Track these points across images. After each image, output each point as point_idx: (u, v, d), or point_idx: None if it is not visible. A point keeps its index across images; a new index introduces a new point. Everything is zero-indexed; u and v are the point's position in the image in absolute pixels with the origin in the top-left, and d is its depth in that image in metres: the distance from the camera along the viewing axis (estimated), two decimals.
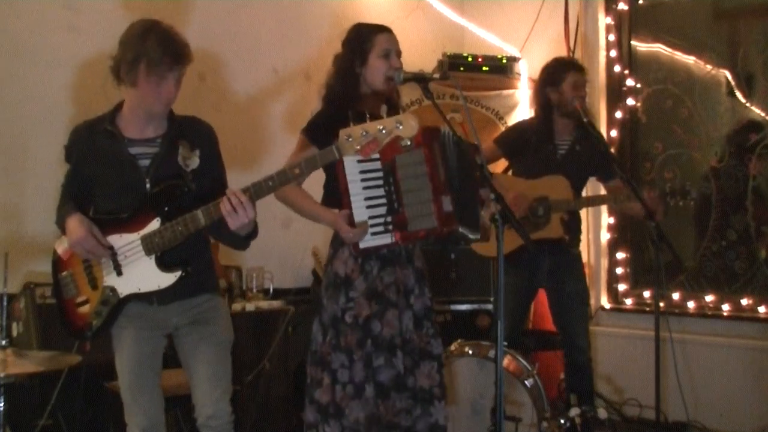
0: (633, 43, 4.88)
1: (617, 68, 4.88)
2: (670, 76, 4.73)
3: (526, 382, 3.40)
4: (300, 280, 4.71)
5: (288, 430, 4.23)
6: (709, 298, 4.51)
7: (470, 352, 3.48)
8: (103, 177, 2.54)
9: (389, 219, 2.60)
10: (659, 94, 4.77)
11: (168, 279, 2.48)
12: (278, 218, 4.33)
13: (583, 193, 3.93)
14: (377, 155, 2.50)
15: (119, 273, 2.50)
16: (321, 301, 2.76)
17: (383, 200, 2.60)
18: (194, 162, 2.55)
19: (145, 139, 2.54)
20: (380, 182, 2.60)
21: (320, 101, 2.87)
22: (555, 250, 3.65)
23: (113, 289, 2.51)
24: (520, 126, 4.00)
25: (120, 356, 2.61)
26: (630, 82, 4.84)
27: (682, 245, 4.56)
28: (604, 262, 4.91)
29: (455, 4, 5.45)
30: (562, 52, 4.89)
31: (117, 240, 2.49)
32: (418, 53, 4.65)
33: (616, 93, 4.90)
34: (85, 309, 2.56)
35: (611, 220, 4.88)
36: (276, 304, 4.31)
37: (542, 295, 4.03)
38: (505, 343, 3.36)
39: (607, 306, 4.89)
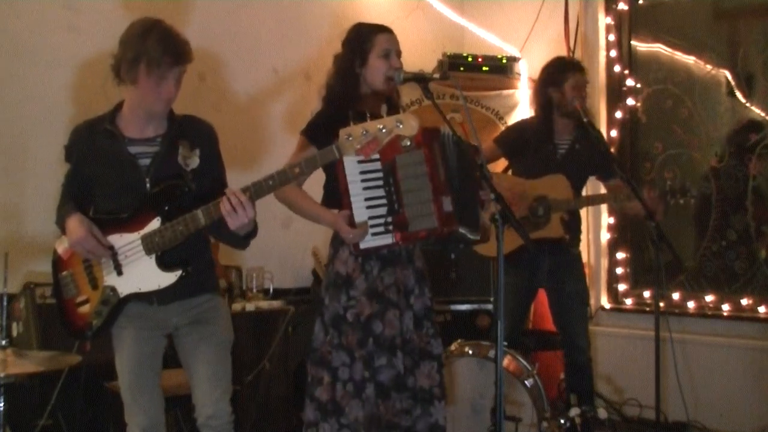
0: (633, 43, 4.88)
1: (617, 68, 4.88)
2: (670, 76, 4.73)
3: (526, 382, 3.40)
4: (300, 280, 4.71)
5: (288, 430, 4.23)
6: (709, 298, 4.51)
7: (470, 352, 3.48)
8: (103, 177, 2.54)
9: (389, 219, 2.60)
10: (659, 94, 4.77)
11: (168, 278, 2.48)
12: (278, 218, 4.33)
13: (583, 193, 3.93)
14: (377, 155, 2.50)
15: (119, 273, 2.50)
16: (322, 300, 2.76)
17: (383, 200, 2.60)
18: (194, 161, 2.55)
19: (145, 139, 2.54)
20: (380, 182, 2.60)
21: (320, 101, 2.87)
22: (555, 250, 3.65)
23: (113, 289, 2.51)
24: (520, 126, 4.00)
25: (120, 356, 2.61)
26: (630, 82, 4.85)
27: (682, 245, 4.56)
28: (604, 262, 4.91)
29: (455, 4, 5.45)
30: (562, 52, 4.89)
31: (117, 240, 2.49)
32: (418, 53, 4.66)
33: (616, 93, 4.90)
34: (85, 309, 2.56)
35: (611, 220, 4.88)
36: (276, 304, 4.31)
37: (542, 295, 4.03)
38: (505, 343, 3.36)
39: (607, 306, 4.89)
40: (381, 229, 2.60)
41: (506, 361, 3.45)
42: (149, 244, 2.46)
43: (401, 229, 2.60)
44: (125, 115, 2.56)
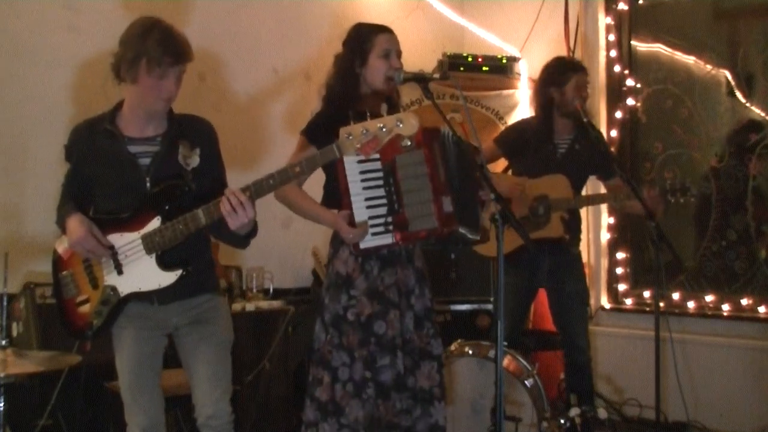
0: (633, 43, 4.88)
1: (617, 68, 4.88)
2: (670, 76, 4.73)
3: (526, 382, 3.40)
4: (300, 280, 4.71)
5: (288, 430, 4.23)
6: (709, 298, 4.51)
7: (470, 352, 3.48)
8: (103, 176, 2.54)
9: (389, 219, 2.60)
10: (659, 94, 4.77)
11: (169, 278, 2.47)
12: (278, 218, 4.33)
13: (583, 193, 3.93)
14: (377, 155, 2.51)
15: (120, 272, 2.50)
16: (323, 301, 2.76)
17: (383, 200, 2.60)
18: (194, 161, 2.54)
19: (145, 138, 2.54)
20: (380, 182, 2.60)
21: (320, 101, 2.87)
22: (555, 250, 3.65)
23: (114, 289, 2.51)
24: (520, 125, 3.99)
25: (120, 356, 2.60)
26: (630, 82, 4.85)
27: (682, 245, 4.56)
28: (604, 262, 4.91)
29: (455, 4, 5.45)
30: (562, 52, 4.89)
31: (117, 239, 2.49)
32: (418, 53, 4.66)
33: (616, 93, 4.90)
34: (85, 308, 2.56)
35: (611, 220, 4.88)
36: (276, 304, 4.31)
37: (542, 295, 4.03)
38: (505, 343, 3.36)
39: (607, 306, 4.89)
40: (381, 228, 2.60)
41: (506, 361, 3.45)
42: (149, 244, 2.46)
43: (401, 229, 2.60)
44: (125, 115, 2.55)
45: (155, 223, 2.46)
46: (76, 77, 3.92)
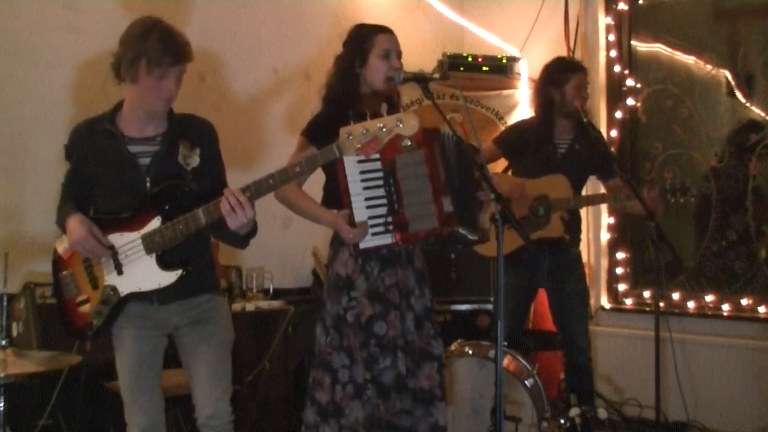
0: (633, 43, 4.88)
1: (617, 68, 4.88)
2: (670, 76, 4.73)
3: (526, 382, 3.40)
4: (300, 280, 4.71)
5: (288, 430, 4.23)
6: (709, 298, 4.51)
7: (470, 352, 3.48)
8: (104, 176, 2.54)
9: (389, 219, 2.60)
10: (659, 94, 4.77)
11: (169, 278, 2.47)
12: (278, 218, 4.33)
13: (583, 193, 3.93)
14: (377, 155, 2.50)
15: (120, 272, 2.50)
16: (323, 303, 2.76)
17: (383, 201, 2.60)
18: (195, 161, 2.54)
19: (145, 138, 2.54)
20: (380, 182, 2.60)
21: (320, 101, 2.87)
22: (555, 250, 3.65)
23: (114, 288, 2.51)
24: (520, 126, 4.00)
25: (120, 356, 2.60)
26: (630, 82, 4.85)
27: (682, 245, 4.56)
28: (604, 262, 4.91)
29: (455, 4, 5.45)
30: (562, 52, 4.89)
31: (117, 239, 2.49)
32: (418, 53, 4.66)
33: (616, 93, 4.90)
34: (85, 308, 2.56)
35: (611, 220, 4.88)
36: (276, 304, 4.31)
37: (542, 295, 4.03)
38: (505, 343, 3.36)
39: (607, 306, 4.89)
40: (381, 229, 2.60)
41: (506, 361, 3.45)
42: (149, 244, 2.46)
43: (401, 230, 2.60)
44: (125, 115, 2.55)
45: (155, 223, 2.46)
46: (76, 77, 3.92)
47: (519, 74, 5.10)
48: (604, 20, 4.94)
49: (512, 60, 5.10)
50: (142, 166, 2.51)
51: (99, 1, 4.00)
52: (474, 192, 2.78)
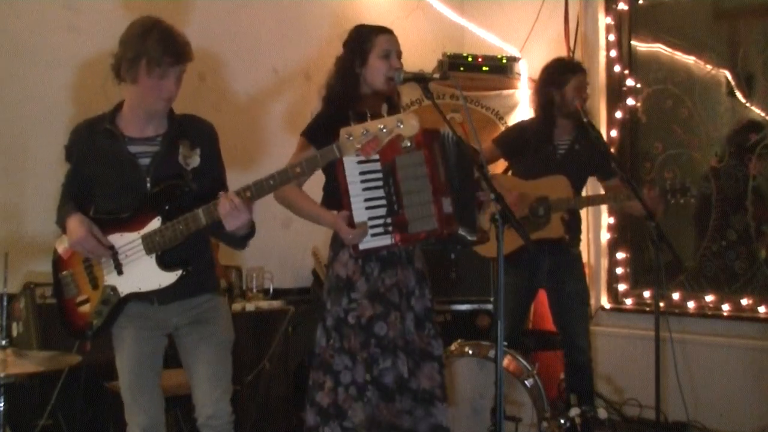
0: (633, 43, 4.88)
1: (617, 68, 4.88)
2: (670, 76, 4.73)
3: (526, 382, 3.40)
4: (300, 280, 4.71)
5: (288, 430, 4.23)
6: (709, 298, 4.51)
7: (470, 352, 3.48)
8: (104, 176, 2.54)
9: (389, 220, 2.60)
10: (659, 94, 4.77)
11: (169, 278, 2.48)
12: (278, 218, 4.33)
13: (583, 193, 3.94)
14: (377, 156, 2.50)
15: (120, 272, 2.50)
16: (324, 305, 2.76)
17: (383, 201, 2.60)
18: (195, 161, 2.54)
19: (145, 138, 2.54)
20: (380, 183, 2.60)
21: (320, 101, 2.87)
22: (555, 250, 3.65)
23: (114, 289, 2.51)
24: (520, 126, 4.00)
25: (120, 356, 2.60)
26: (630, 82, 4.85)
27: (682, 245, 4.56)
28: (604, 262, 4.91)
29: (455, 4, 5.45)
30: (562, 52, 4.89)
31: (118, 239, 2.49)
32: (418, 53, 4.66)
33: (616, 93, 4.90)
34: (85, 308, 2.56)
35: (611, 220, 4.88)
36: (276, 304, 4.31)
37: (542, 295, 4.03)
38: (505, 343, 3.36)
39: (607, 306, 4.89)
40: (380, 230, 2.60)
41: (506, 361, 3.45)
42: (150, 244, 2.46)
43: (401, 230, 2.60)
44: (125, 115, 2.55)
45: (155, 223, 2.46)
46: (76, 77, 3.92)
47: (519, 74, 5.10)
48: (604, 20, 4.94)
49: (512, 60, 5.10)
50: (143, 166, 2.51)
51: (99, 1, 4.00)
52: (474, 192, 2.78)
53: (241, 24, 4.60)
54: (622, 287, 4.86)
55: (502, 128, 4.90)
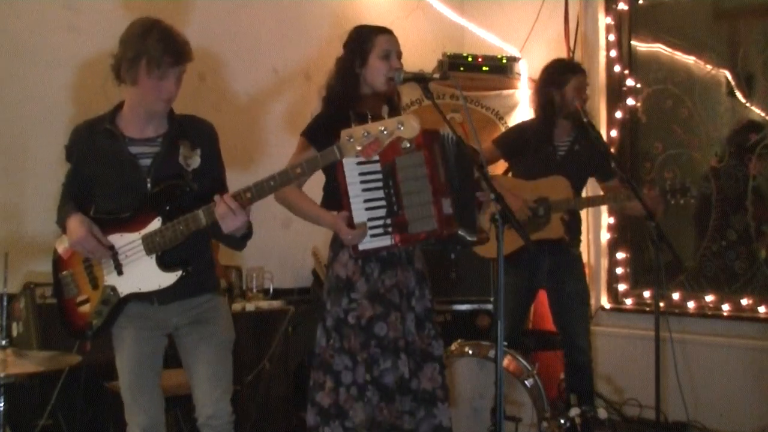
0: (633, 43, 4.88)
1: (617, 68, 4.88)
2: (670, 76, 4.73)
3: (526, 382, 3.40)
4: (300, 280, 4.71)
5: (288, 430, 4.23)
6: (709, 298, 4.51)
7: (470, 352, 3.48)
8: (104, 177, 2.54)
9: (389, 221, 2.60)
10: (659, 94, 4.77)
11: (168, 279, 2.48)
12: (278, 218, 4.33)
13: (583, 194, 3.93)
14: (377, 157, 2.50)
15: (120, 272, 2.50)
16: (324, 306, 2.76)
17: (383, 202, 2.60)
18: (195, 161, 2.54)
19: (145, 139, 2.54)
20: (380, 184, 2.60)
21: (320, 101, 2.87)
22: (555, 250, 3.65)
23: (114, 289, 2.51)
24: (520, 127, 4.00)
25: (120, 356, 2.60)
26: (630, 82, 4.84)
27: (682, 245, 4.56)
28: (604, 262, 4.91)
29: (455, 4, 5.45)
30: (562, 52, 4.90)
31: (118, 239, 2.49)
32: (418, 53, 4.66)
33: (616, 93, 4.90)
34: (85, 308, 2.56)
35: (611, 220, 4.88)
36: (276, 304, 4.31)
37: (542, 295, 4.03)
38: (505, 343, 3.36)
39: (607, 306, 4.89)
40: (380, 230, 2.60)
41: (506, 361, 3.45)
42: (150, 244, 2.46)
43: (401, 231, 2.60)
44: (125, 115, 2.55)
45: (156, 223, 2.46)
46: (76, 77, 3.92)
47: (519, 74, 5.10)
48: (604, 20, 4.94)
49: (512, 60, 5.10)
50: (143, 167, 2.51)
51: (99, 1, 4.00)
52: (473, 193, 2.77)
53: (241, 24, 4.59)
54: (622, 287, 4.86)
55: (502, 128, 4.91)
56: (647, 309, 4.68)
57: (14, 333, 3.43)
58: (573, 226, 3.73)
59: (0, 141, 3.74)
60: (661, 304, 3.53)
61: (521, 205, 3.55)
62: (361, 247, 2.61)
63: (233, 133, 4.24)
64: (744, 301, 4.38)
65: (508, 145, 3.83)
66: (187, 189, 2.49)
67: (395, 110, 2.78)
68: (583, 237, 3.98)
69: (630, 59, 4.88)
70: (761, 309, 4.31)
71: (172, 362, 2.75)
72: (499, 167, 4.19)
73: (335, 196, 2.65)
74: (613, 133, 4.84)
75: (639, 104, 4.84)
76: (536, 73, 3.98)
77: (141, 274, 2.48)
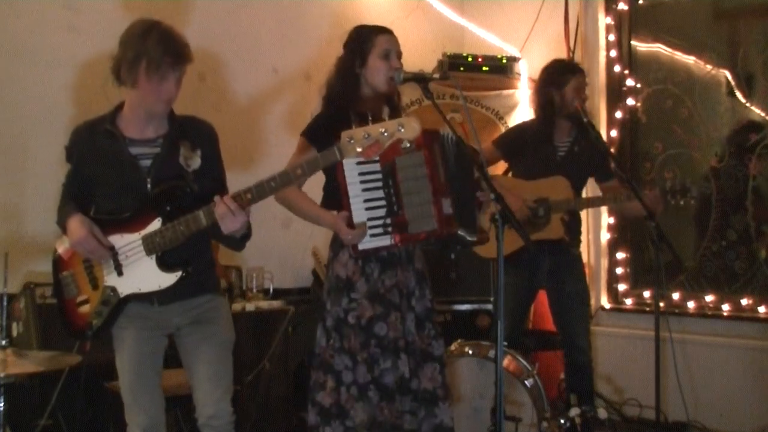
0: (633, 43, 4.88)
1: (617, 68, 4.88)
2: (670, 76, 4.72)
3: (526, 382, 3.40)
4: (300, 280, 4.71)
5: (288, 430, 4.23)
6: (709, 298, 4.51)
7: (470, 352, 3.49)
8: (104, 177, 2.54)
9: (389, 221, 2.60)
10: (659, 94, 4.77)
11: (169, 279, 2.48)
12: (278, 218, 4.33)
13: (583, 194, 3.93)
14: (377, 157, 2.50)
15: (120, 273, 2.50)
16: (324, 305, 2.76)
17: (382, 202, 2.60)
18: (196, 162, 2.55)
19: (145, 140, 2.54)
20: (379, 184, 2.60)
21: (321, 101, 2.87)
22: (555, 250, 3.65)
23: (114, 289, 2.51)
24: (520, 127, 4.01)
25: (121, 356, 2.60)
26: (630, 82, 4.84)
27: (682, 245, 4.56)
28: (604, 262, 4.91)
29: (455, 4, 5.45)
30: (562, 52, 4.90)
31: (118, 240, 2.49)
32: (418, 53, 4.66)
33: (616, 93, 4.90)
34: (85, 309, 2.56)
35: (611, 220, 4.88)
36: (276, 304, 4.31)
37: (542, 295, 4.03)
38: (505, 343, 3.36)
39: (607, 306, 4.89)
40: (380, 230, 2.60)
41: (506, 361, 3.45)
42: (150, 245, 2.46)
43: (400, 231, 2.60)
44: (126, 116, 2.55)
45: (156, 224, 2.46)
46: (76, 77, 3.92)
47: (519, 74, 5.10)
48: (604, 20, 4.93)
49: (512, 60, 5.10)
50: (143, 167, 2.51)
51: (99, 1, 4.00)
52: (473, 193, 2.78)
53: (241, 24, 4.59)
54: (622, 287, 4.86)
55: (502, 128, 4.91)
56: (647, 309, 4.67)
57: (14, 333, 3.43)
58: (573, 227, 3.73)
59: (0, 141, 3.74)
60: (661, 304, 3.53)
61: (521, 206, 3.56)
62: (360, 246, 2.61)
63: (233, 133, 4.24)
64: (744, 301, 4.38)
65: (507, 145, 3.84)
66: (188, 190, 2.49)
67: (396, 110, 2.78)
68: (583, 237, 3.98)
69: (630, 59, 4.88)
70: (761, 309, 4.31)
71: (172, 362, 2.75)
72: (499, 167, 4.19)
73: (335, 196, 2.65)
74: (613, 133, 4.84)
75: (639, 104, 4.84)
76: (536, 73, 3.98)
77: (141, 274, 2.48)
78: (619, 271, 4.86)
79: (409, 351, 2.69)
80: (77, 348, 3.26)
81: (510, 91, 5.09)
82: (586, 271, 4.24)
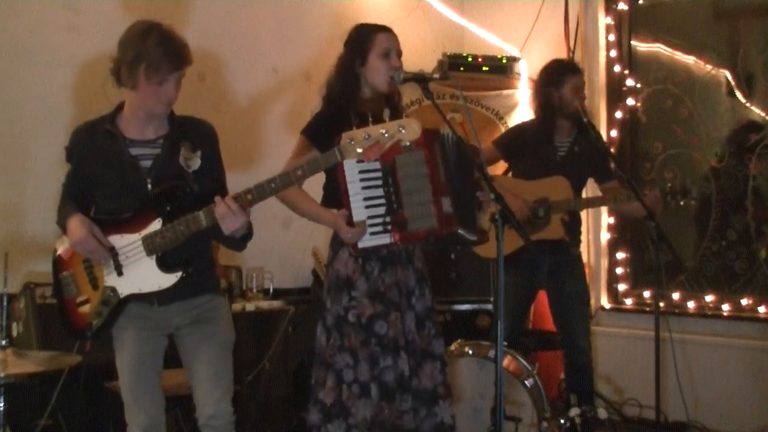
0: (633, 43, 4.87)
1: (617, 68, 4.88)
2: (670, 76, 4.72)
3: (526, 382, 3.40)
4: (300, 280, 4.71)
5: (288, 430, 4.23)
6: (709, 298, 4.51)
7: (470, 352, 3.49)
8: (104, 177, 2.54)
9: (388, 219, 2.60)
10: (659, 94, 4.77)
11: (169, 279, 2.48)
12: (278, 218, 4.33)
13: (583, 194, 3.93)
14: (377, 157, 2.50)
15: (120, 273, 2.50)
16: (324, 304, 2.76)
17: (382, 201, 2.61)
18: (196, 163, 2.55)
19: (145, 140, 2.54)
20: (379, 182, 2.60)
21: (321, 100, 2.87)
22: (555, 251, 3.65)
23: (114, 290, 2.51)
24: (520, 127, 4.01)
25: (121, 356, 2.60)
26: (630, 82, 4.84)
27: (682, 245, 4.56)
28: (604, 262, 4.90)
29: (455, 4, 5.45)
30: (562, 52, 4.90)
31: (118, 240, 2.49)
32: (418, 53, 4.66)
33: (616, 93, 4.90)
34: (85, 309, 2.56)
35: (611, 220, 4.88)
36: (276, 304, 4.31)
37: (542, 295, 4.03)
38: (505, 343, 3.36)
39: (607, 306, 4.89)
40: (380, 228, 2.60)
41: (506, 361, 3.45)
42: (150, 245, 2.46)
43: (400, 229, 2.60)
44: (126, 116, 2.55)
45: (156, 224, 2.46)
46: (76, 77, 3.92)
47: (519, 74, 5.10)
48: (604, 20, 4.93)
49: (512, 60, 5.10)
50: (143, 168, 2.51)
51: (99, 1, 4.00)
52: (473, 192, 2.78)
53: (241, 24, 4.59)
54: (622, 287, 4.86)
55: (502, 128, 4.91)
56: (647, 309, 4.67)
57: (14, 333, 3.43)
58: (573, 227, 3.73)
59: (0, 141, 3.74)
60: (661, 304, 3.53)
61: (521, 206, 3.56)
62: (360, 245, 2.61)
63: (233, 133, 4.24)
64: (744, 301, 4.38)
65: (507, 145, 3.84)
66: (188, 190, 2.49)
67: (397, 111, 2.78)
68: (583, 237, 3.98)
69: (630, 59, 4.88)
70: (761, 309, 4.31)
71: (172, 362, 2.75)
72: (499, 167, 4.19)
73: (335, 195, 2.65)
74: (613, 133, 4.84)
75: (639, 104, 4.84)
76: (536, 73, 3.98)
77: (141, 274, 2.48)
78: (619, 271, 4.86)
79: (409, 349, 2.69)
80: (77, 348, 3.26)
81: (510, 91, 5.09)
82: (586, 271, 4.24)
